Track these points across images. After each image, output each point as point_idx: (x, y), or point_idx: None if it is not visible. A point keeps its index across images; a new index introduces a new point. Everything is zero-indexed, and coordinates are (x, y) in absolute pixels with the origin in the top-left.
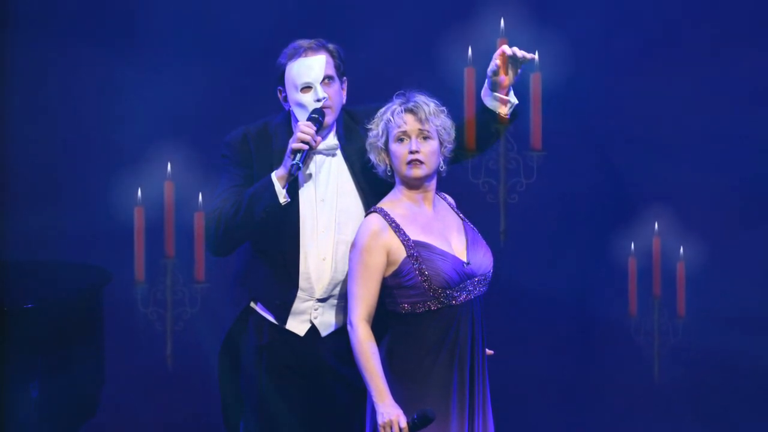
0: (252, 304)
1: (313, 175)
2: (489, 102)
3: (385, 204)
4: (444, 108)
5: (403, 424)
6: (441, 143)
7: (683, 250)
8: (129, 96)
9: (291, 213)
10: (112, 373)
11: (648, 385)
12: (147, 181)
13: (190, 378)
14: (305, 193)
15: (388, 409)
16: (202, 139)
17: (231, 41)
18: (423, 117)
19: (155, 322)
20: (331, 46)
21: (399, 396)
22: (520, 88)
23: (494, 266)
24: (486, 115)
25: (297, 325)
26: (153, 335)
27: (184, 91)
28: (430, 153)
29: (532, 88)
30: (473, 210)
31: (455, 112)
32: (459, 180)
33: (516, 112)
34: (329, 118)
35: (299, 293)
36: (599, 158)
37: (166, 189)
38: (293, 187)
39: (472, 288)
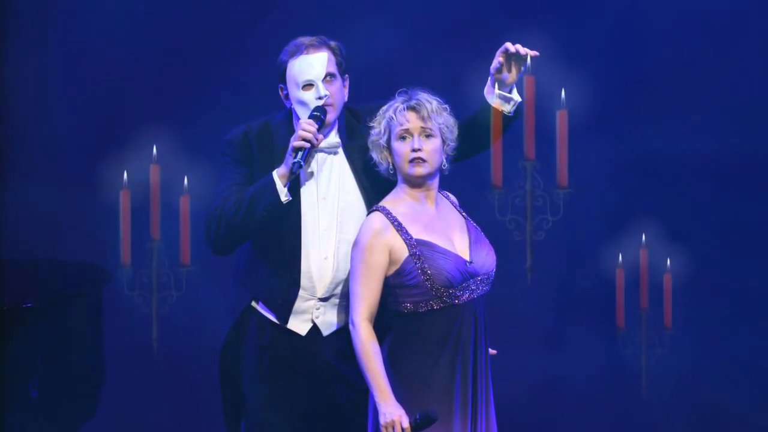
0: (253, 304)
1: (315, 174)
2: (492, 100)
3: (387, 203)
4: (446, 106)
5: (406, 424)
6: (443, 141)
7: (670, 262)
8: (115, 78)
9: (292, 212)
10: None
11: (636, 397)
12: (133, 164)
13: (177, 361)
14: (307, 192)
15: (390, 409)
16: (188, 122)
17: (225, 31)
18: (425, 115)
19: (141, 305)
20: (332, 44)
21: (401, 396)
22: (547, 126)
23: (519, 302)
24: (489, 113)
25: (298, 325)
26: (139, 318)
27: (171, 74)
28: (432, 151)
29: (559, 125)
30: (500, 247)
31: (457, 111)
32: (485, 217)
33: (519, 109)
34: (331, 115)
35: (301, 292)
36: (625, 193)
37: (151, 172)
38: (294, 185)
39: (474, 287)
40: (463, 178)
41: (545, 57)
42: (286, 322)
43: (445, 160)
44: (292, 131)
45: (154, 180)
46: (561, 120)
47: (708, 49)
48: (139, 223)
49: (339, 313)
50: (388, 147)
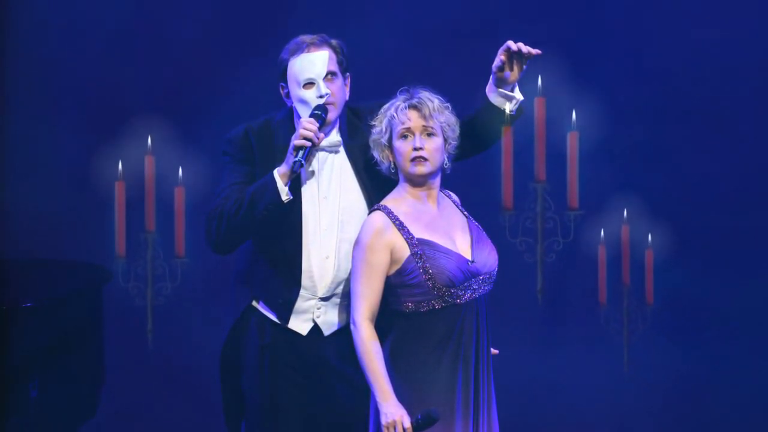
0: (254, 303)
1: (316, 173)
2: (494, 98)
3: (388, 201)
4: (448, 104)
5: (407, 424)
6: (445, 140)
7: (651, 237)
8: (110, 70)
9: (293, 211)
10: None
11: (617, 372)
12: (128, 156)
13: (172, 354)
14: (308, 191)
15: (391, 409)
16: (183, 113)
17: (223, 25)
18: (427, 113)
19: (135, 297)
20: (333, 42)
21: (403, 396)
22: (558, 148)
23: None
24: (491, 111)
25: (299, 324)
26: (134, 310)
27: (166, 66)
28: (434, 150)
29: (569, 147)
30: (511, 269)
31: (459, 110)
32: (496, 239)
33: (521, 108)
34: (332, 114)
35: (302, 292)
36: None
37: (146, 163)
38: (295, 184)
39: (476, 286)
40: (474, 200)
41: (556, 79)
42: (287, 322)
43: (446, 159)
44: (293, 130)
45: (148, 171)
46: (572, 142)
47: (720, 71)
48: (134, 215)
49: (340, 312)
50: (390, 146)
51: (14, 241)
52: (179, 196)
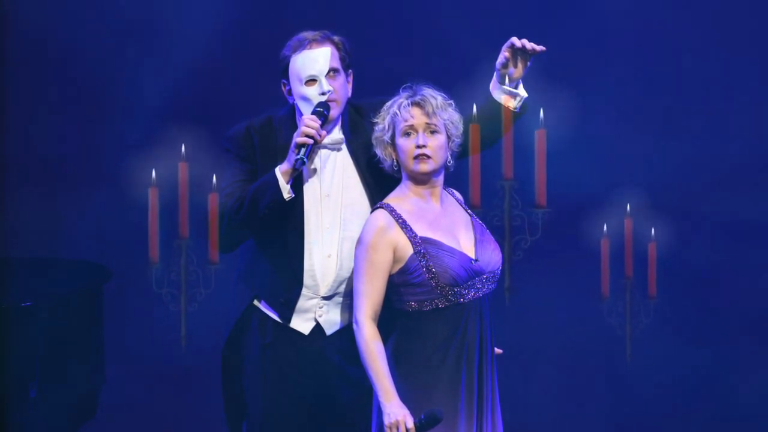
0: (255, 302)
1: (318, 170)
2: (498, 95)
3: (391, 200)
4: (452, 101)
5: (410, 424)
6: (449, 137)
7: (654, 231)
8: (143, 77)
9: (295, 209)
10: (127, 356)
11: (620, 365)
12: (161, 162)
13: (204, 359)
14: (310, 189)
15: (394, 409)
16: (216, 119)
17: (253, 26)
18: (430, 111)
19: (169, 303)
20: (336, 38)
21: (406, 396)
22: (527, 145)
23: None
24: (494, 109)
25: (301, 324)
26: (167, 316)
27: (200, 72)
28: (437, 147)
29: (537, 144)
30: None
31: (463, 106)
32: None
33: (525, 105)
34: (334, 111)
35: (304, 291)
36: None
37: (180, 170)
38: (297, 182)
39: (480, 285)
40: None
41: (525, 76)
42: (289, 321)
43: (450, 157)
44: (294, 127)
45: (182, 178)
46: (539, 139)
47: (691, 69)
48: (168, 221)
49: (342, 311)
50: (393, 143)
51: (41, 247)
52: (213, 203)
